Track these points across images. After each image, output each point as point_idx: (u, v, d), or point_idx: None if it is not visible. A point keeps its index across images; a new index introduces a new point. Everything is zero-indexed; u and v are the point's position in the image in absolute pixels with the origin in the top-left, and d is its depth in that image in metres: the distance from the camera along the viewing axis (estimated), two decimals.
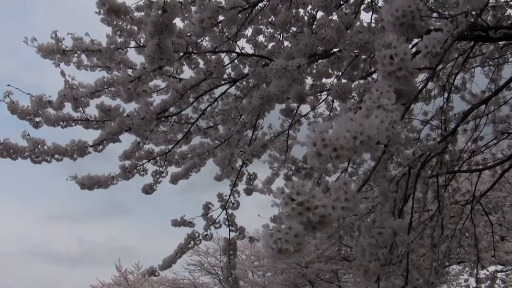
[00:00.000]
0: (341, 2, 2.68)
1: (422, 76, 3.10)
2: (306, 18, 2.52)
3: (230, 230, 3.19)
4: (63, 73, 2.42)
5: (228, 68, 2.85)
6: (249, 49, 3.01)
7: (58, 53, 2.40)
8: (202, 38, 2.44)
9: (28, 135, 2.29)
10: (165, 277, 13.77)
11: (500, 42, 3.31)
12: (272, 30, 2.97)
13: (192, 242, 3.12)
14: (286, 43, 2.87)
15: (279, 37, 2.96)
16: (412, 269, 2.13)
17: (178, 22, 2.73)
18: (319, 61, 2.05)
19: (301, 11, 2.50)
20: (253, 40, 2.96)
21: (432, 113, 3.62)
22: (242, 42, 3.04)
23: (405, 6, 1.05)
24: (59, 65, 2.44)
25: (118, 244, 26.98)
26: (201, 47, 2.42)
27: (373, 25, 2.78)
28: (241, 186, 3.41)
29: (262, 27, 2.96)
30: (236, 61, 2.86)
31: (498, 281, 3.72)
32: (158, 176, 2.99)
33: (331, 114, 3.65)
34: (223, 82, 2.89)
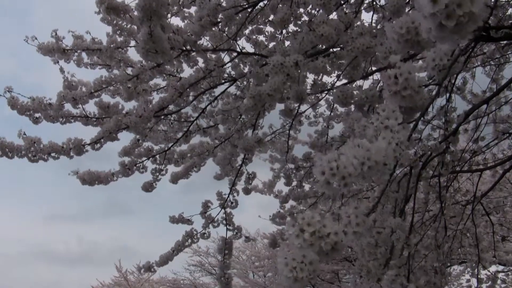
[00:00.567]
0: (342, 2, 2.68)
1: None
2: (306, 17, 2.51)
3: (227, 229, 3.19)
4: (62, 70, 2.42)
5: (228, 67, 2.85)
6: (249, 48, 3.01)
7: (58, 52, 2.40)
8: (202, 37, 2.44)
9: (24, 134, 2.29)
10: (165, 278, 13.77)
11: (501, 42, 3.30)
12: (272, 30, 2.97)
13: (189, 240, 3.12)
14: (287, 43, 2.86)
15: (279, 36, 2.96)
16: (417, 270, 2.12)
17: (178, 22, 2.74)
18: (318, 57, 2.04)
19: (302, 10, 2.50)
20: (253, 39, 2.96)
21: (433, 113, 3.61)
22: (242, 42, 3.04)
23: (408, 23, 1.06)
24: (57, 62, 2.44)
25: (118, 244, 26.98)
26: (199, 46, 2.42)
27: (373, 24, 2.78)
28: (240, 186, 3.42)
29: (262, 26, 2.96)
30: (236, 60, 2.86)
31: (498, 281, 3.70)
32: (157, 174, 2.99)
33: (331, 114, 3.65)
34: (223, 81, 2.89)
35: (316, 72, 2.03)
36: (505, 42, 3.28)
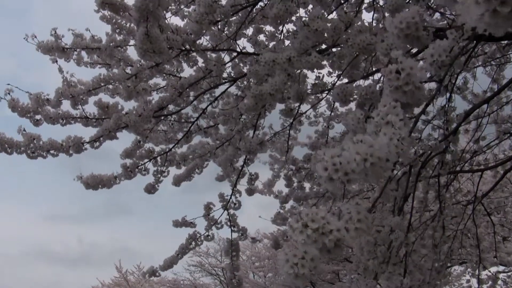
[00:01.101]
0: (342, 1, 2.67)
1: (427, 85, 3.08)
2: (307, 17, 2.50)
3: (232, 231, 3.19)
4: (61, 70, 2.42)
5: (228, 66, 2.85)
6: (249, 48, 3.01)
7: (58, 51, 2.40)
8: (202, 36, 2.43)
9: (24, 130, 2.29)
10: (165, 278, 13.76)
11: (502, 42, 3.30)
12: (272, 29, 2.96)
13: (193, 243, 3.12)
14: (287, 42, 2.86)
15: (279, 36, 2.95)
16: (414, 269, 2.12)
17: (177, 21, 2.73)
18: (311, 52, 2.02)
19: (302, 10, 2.50)
20: (253, 39, 2.96)
21: (433, 112, 3.61)
22: (242, 41, 3.04)
23: (409, 18, 1.05)
24: (56, 61, 2.44)
25: (118, 244, 26.98)
26: (198, 45, 2.41)
27: (374, 24, 2.78)
28: (242, 187, 3.41)
29: (262, 26, 2.96)
30: (236, 59, 2.85)
31: (499, 282, 3.69)
32: (159, 175, 2.99)
33: (332, 114, 3.64)
34: (223, 81, 2.88)
35: (310, 68, 2.01)
36: (506, 41, 3.28)
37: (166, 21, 2.20)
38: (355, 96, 2.01)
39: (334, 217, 0.82)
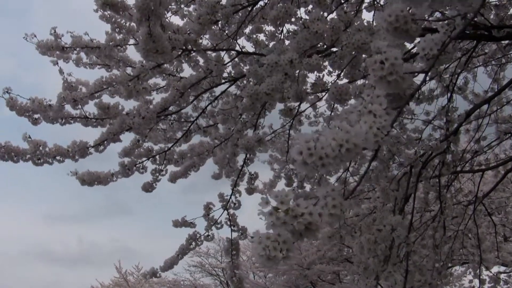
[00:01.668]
0: (342, 1, 2.67)
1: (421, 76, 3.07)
2: (307, 17, 2.50)
3: (232, 230, 3.18)
4: (61, 71, 2.41)
5: (228, 66, 2.84)
6: (250, 47, 3.00)
7: (57, 50, 2.40)
8: (202, 36, 2.43)
9: (29, 137, 2.28)
10: (165, 278, 13.75)
11: (503, 42, 3.29)
12: (272, 29, 2.96)
13: (193, 243, 3.11)
14: (287, 42, 2.85)
15: (279, 36, 2.94)
16: (414, 270, 2.11)
17: (177, 21, 2.73)
18: (312, 54, 2.03)
19: (302, 10, 2.49)
20: (253, 38, 2.95)
21: (434, 113, 3.60)
22: (242, 41, 3.03)
23: (397, 11, 1.06)
24: (57, 63, 2.44)
25: (118, 244, 27.00)
26: (199, 45, 2.41)
27: (374, 24, 2.77)
28: (242, 186, 3.40)
29: (262, 25, 2.95)
30: (236, 59, 2.85)
31: (501, 282, 3.68)
32: (157, 174, 2.98)
33: (332, 113, 3.63)
34: (223, 81, 2.88)
35: (311, 70, 2.02)
36: (506, 41, 3.27)
37: (168, 20, 2.19)
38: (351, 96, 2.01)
39: (306, 201, 0.81)
